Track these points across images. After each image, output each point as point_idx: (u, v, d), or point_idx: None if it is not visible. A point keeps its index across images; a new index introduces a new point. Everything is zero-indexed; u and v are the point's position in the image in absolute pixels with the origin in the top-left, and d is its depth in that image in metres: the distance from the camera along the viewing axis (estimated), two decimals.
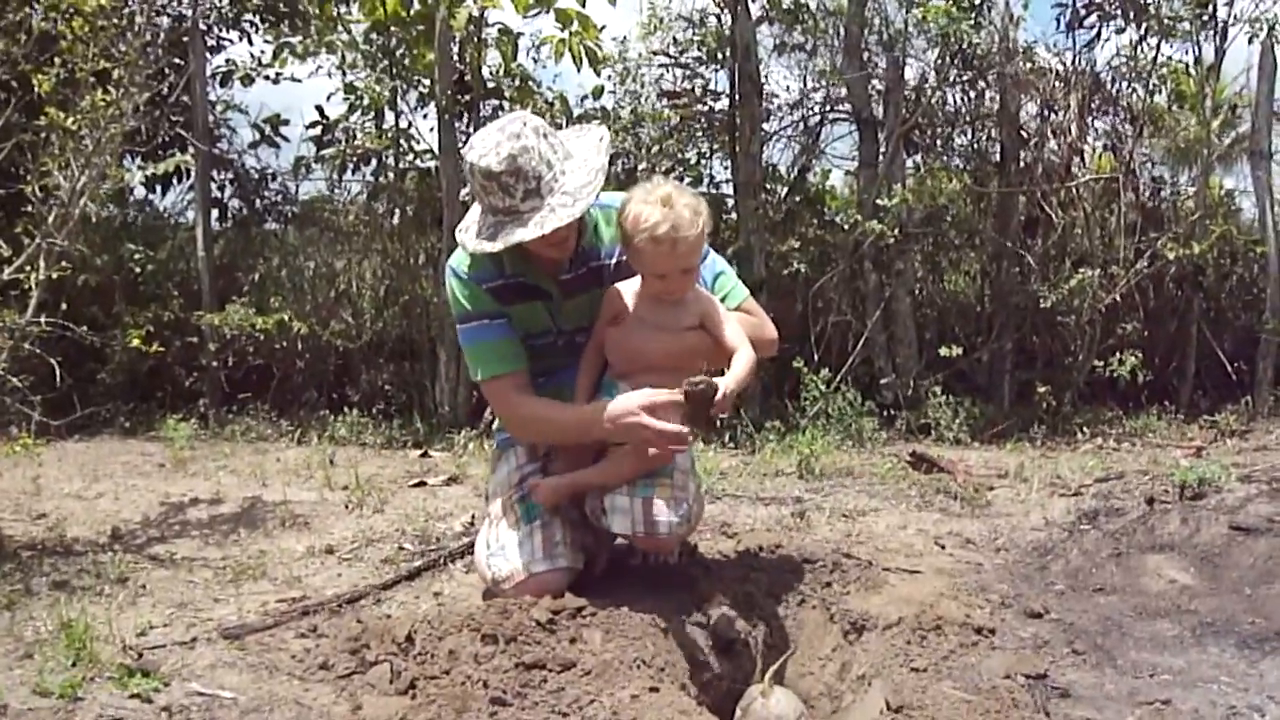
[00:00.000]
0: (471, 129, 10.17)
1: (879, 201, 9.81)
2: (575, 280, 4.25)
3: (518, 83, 10.41)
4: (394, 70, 10.23)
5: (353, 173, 10.99)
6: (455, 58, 9.87)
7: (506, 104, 10.36)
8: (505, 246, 3.87)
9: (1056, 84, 10.50)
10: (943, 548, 5.45)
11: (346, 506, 6.19)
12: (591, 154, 4.02)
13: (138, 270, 9.87)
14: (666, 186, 3.96)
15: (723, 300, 4.24)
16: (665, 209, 3.85)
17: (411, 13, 9.79)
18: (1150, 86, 10.71)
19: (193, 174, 10.40)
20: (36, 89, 5.74)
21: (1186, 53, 10.68)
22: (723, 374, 3.90)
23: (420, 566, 4.89)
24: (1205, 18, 10.28)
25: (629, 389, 4.05)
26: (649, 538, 4.10)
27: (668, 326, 4.10)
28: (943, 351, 9.68)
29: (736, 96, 10.38)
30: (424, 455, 8.00)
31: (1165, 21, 10.20)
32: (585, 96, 11.13)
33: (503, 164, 3.81)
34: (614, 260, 4.28)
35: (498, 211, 3.92)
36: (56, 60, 5.76)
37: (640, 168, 11.04)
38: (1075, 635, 4.21)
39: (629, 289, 4.15)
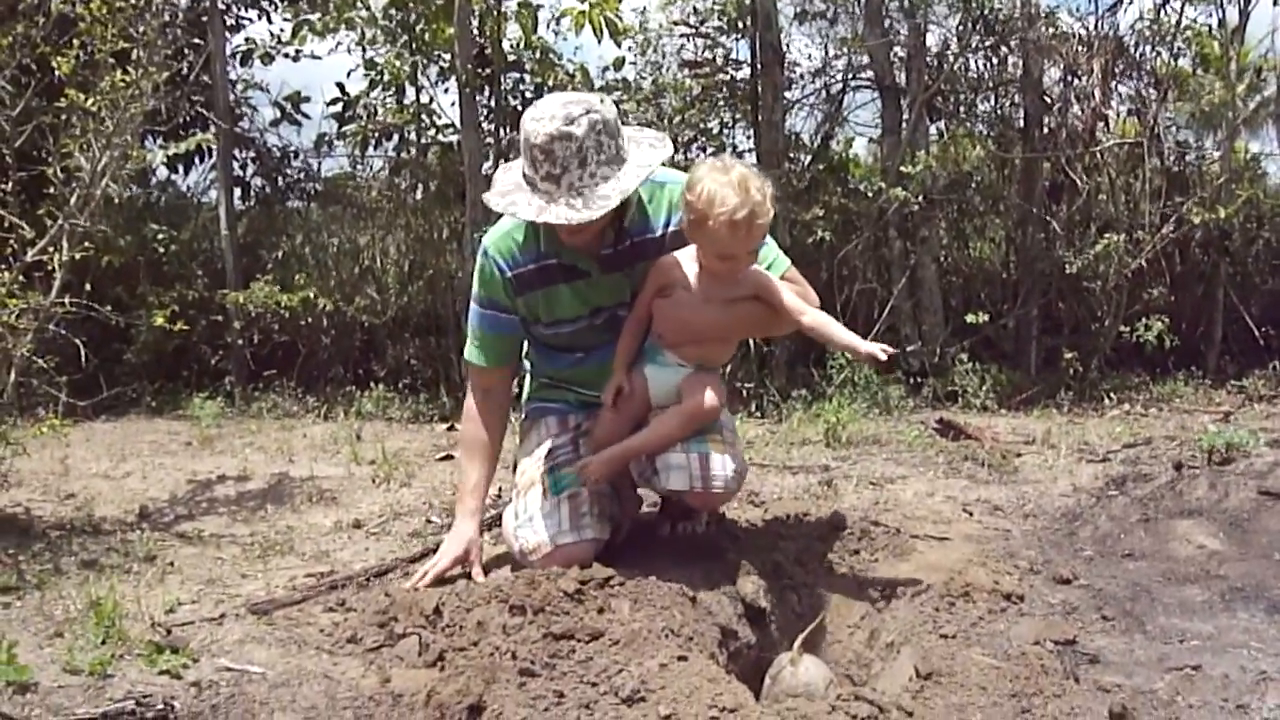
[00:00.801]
0: (493, 103, 10.18)
1: (903, 169, 9.77)
2: (617, 256, 4.19)
3: (538, 55, 10.37)
4: (414, 45, 10.20)
5: (375, 149, 10.98)
6: (475, 31, 9.85)
7: (527, 77, 10.35)
8: (500, 209, 3.92)
9: (1079, 49, 10.42)
10: (970, 514, 5.44)
11: (373, 481, 6.20)
12: (630, 175, 3.91)
13: (161, 250, 9.88)
14: (740, 167, 3.90)
15: (767, 270, 4.20)
16: (744, 193, 3.80)
17: None
18: (1174, 50, 10.66)
19: (215, 153, 10.41)
20: (56, 71, 5.73)
21: (1210, 15, 10.62)
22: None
23: None
24: None
25: (674, 359, 4.15)
26: (706, 493, 4.09)
27: (717, 299, 4.07)
28: (969, 318, 9.66)
29: (758, 65, 10.35)
30: (450, 429, 8.00)
31: None
32: (606, 68, 11.07)
33: (539, 139, 3.77)
34: (661, 234, 4.20)
35: (521, 174, 3.93)
36: (75, 41, 5.75)
37: None
38: (1104, 601, 4.21)
39: (678, 260, 4.11)
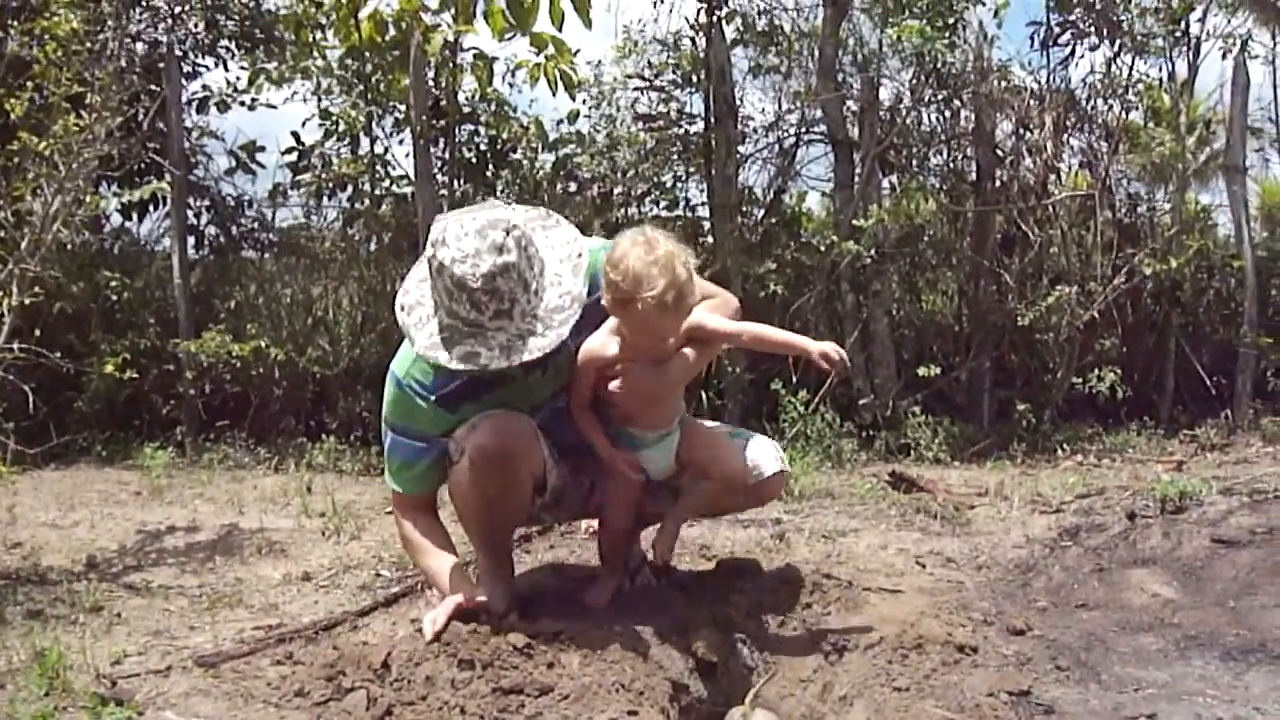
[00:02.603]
0: (448, 154, 10.18)
1: (855, 222, 9.82)
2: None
3: (494, 107, 10.42)
4: (369, 95, 10.22)
5: (329, 199, 10.97)
6: (430, 82, 9.87)
7: (482, 129, 10.37)
8: (464, 367, 3.70)
9: (1031, 102, 10.50)
10: (923, 567, 5.44)
11: (323, 534, 6.17)
12: (567, 274, 3.79)
13: (114, 298, 9.81)
14: (664, 242, 3.78)
15: None
16: (669, 273, 3.70)
17: (386, 38, 9.75)
18: (1125, 103, 10.75)
19: (169, 201, 10.35)
20: (9, 113, 5.71)
21: (1160, 69, 10.73)
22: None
23: (397, 593, 4.88)
24: (1178, 34, 10.35)
25: (652, 435, 4.19)
26: (780, 475, 4.41)
27: (662, 357, 4.03)
28: (921, 371, 9.68)
29: (712, 119, 10.39)
30: None
31: (1139, 38, 10.26)
32: (561, 120, 11.14)
33: (479, 281, 3.55)
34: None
35: (457, 318, 3.67)
36: (29, 84, 5.74)
37: (616, 191, 11.05)
38: (1058, 651, 4.21)
39: (604, 341, 4.02)
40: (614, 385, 4.02)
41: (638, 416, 4.12)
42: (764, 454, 4.39)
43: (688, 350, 4.08)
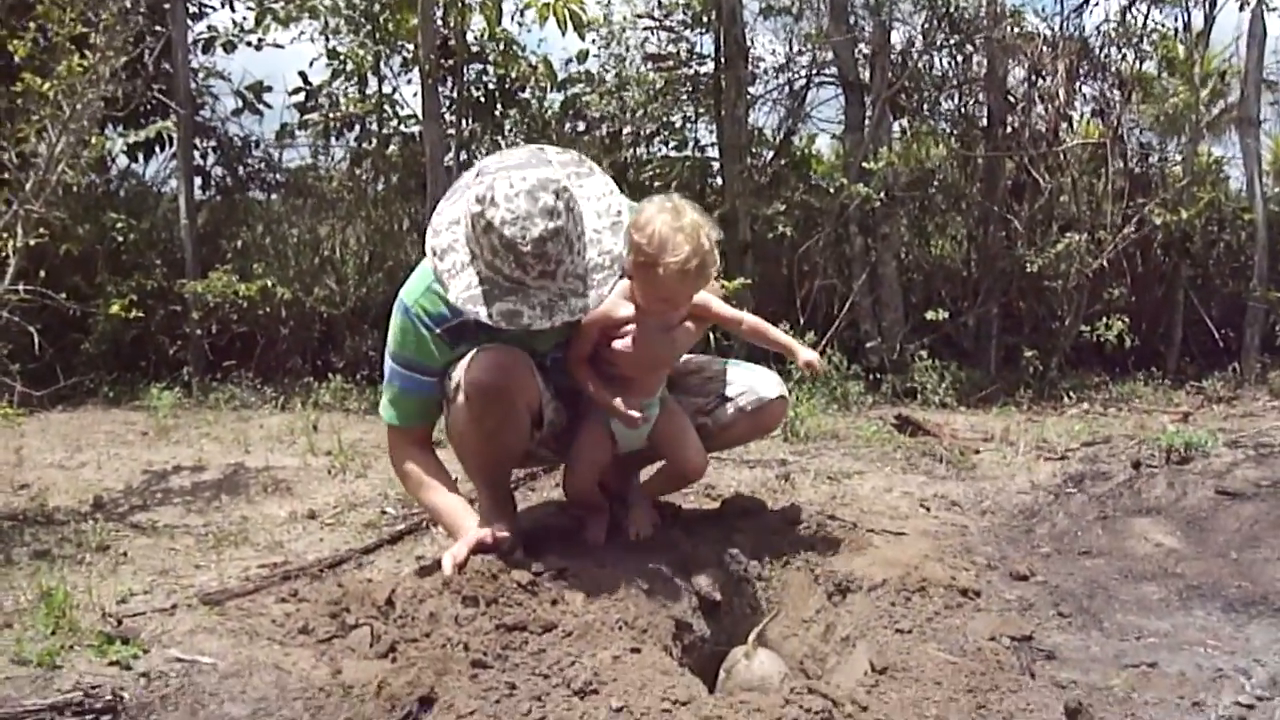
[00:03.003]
0: (456, 94, 10.14)
1: (865, 165, 9.79)
2: None
3: (502, 47, 10.36)
4: (377, 35, 10.18)
5: (336, 139, 10.95)
6: (439, 22, 9.81)
7: (491, 69, 10.32)
8: (507, 326, 3.68)
9: (1044, 49, 10.45)
10: (928, 510, 5.44)
11: (329, 472, 6.17)
12: (606, 232, 3.78)
13: (120, 239, 9.79)
14: (690, 211, 3.80)
15: None
16: (695, 241, 3.73)
17: None
18: (1139, 53, 10.70)
19: (175, 142, 10.33)
20: (12, 54, 5.68)
21: (1176, 19, 10.68)
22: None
23: (402, 530, 4.89)
24: None
25: (655, 405, 4.20)
26: (779, 401, 4.48)
27: (664, 328, 4.05)
28: (929, 316, 9.65)
29: (722, 60, 10.35)
30: None
31: None
32: (570, 60, 11.12)
33: (529, 245, 3.53)
34: None
35: (498, 273, 3.65)
36: (32, 25, 5.70)
37: (625, 131, 11.02)
38: (1061, 598, 4.20)
39: (616, 302, 4.01)
40: (620, 344, 4.01)
41: (632, 381, 4.12)
42: (764, 381, 4.45)
43: (690, 324, 4.11)
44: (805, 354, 4.26)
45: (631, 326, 4.00)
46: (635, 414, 4.06)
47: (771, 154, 11.45)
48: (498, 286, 3.66)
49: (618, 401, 4.05)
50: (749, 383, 4.45)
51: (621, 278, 3.95)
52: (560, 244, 3.57)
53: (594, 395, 4.11)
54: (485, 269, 3.66)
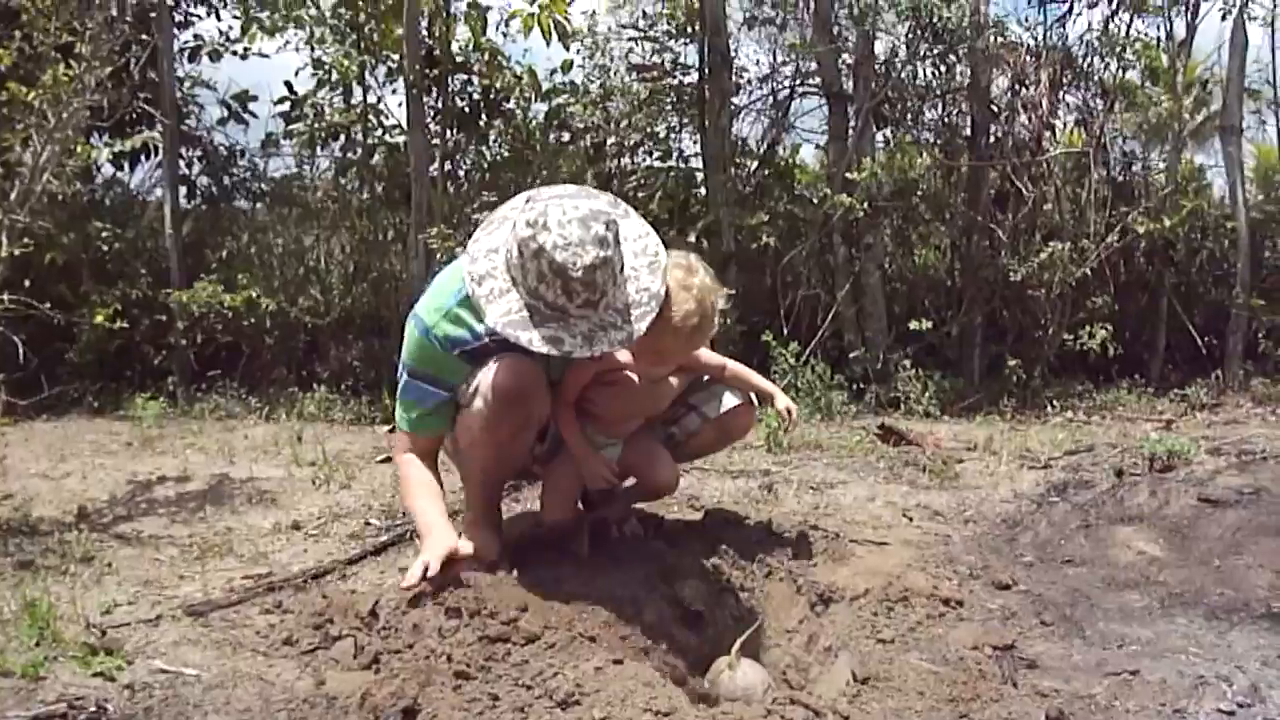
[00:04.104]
0: (440, 104, 10.16)
1: (849, 175, 9.84)
2: None
3: (487, 57, 10.37)
4: (362, 45, 10.20)
5: (321, 149, 10.95)
6: (424, 32, 9.84)
7: (475, 79, 10.35)
8: (546, 349, 3.65)
9: (1027, 58, 10.51)
10: (910, 520, 5.46)
11: (314, 483, 6.16)
12: (644, 270, 3.74)
13: (105, 248, 9.81)
14: (703, 273, 3.83)
15: None
16: (700, 303, 3.76)
17: None
18: (1122, 62, 10.72)
19: (160, 151, 10.33)
20: None
21: (1158, 28, 10.76)
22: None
23: (386, 542, 4.88)
24: None
25: (604, 439, 4.23)
26: (745, 406, 4.51)
27: (658, 376, 4.11)
28: (912, 325, 9.69)
29: (706, 70, 10.40)
30: (391, 431, 7.89)
31: None
32: (554, 71, 11.12)
33: (579, 271, 3.50)
34: None
35: (540, 299, 3.62)
36: (17, 34, 5.70)
37: (609, 141, 11.04)
38: (1043, 607, 4.22)
39: None
40: (607, 391, 4.07)
41: (611, 424, 4.19)
42: (730, 390, 4.49)
43: (674, 380, 4.20)
44: (782, 401, 4.46)
45: (623, 374, 4.04)
46: (604, 482, 4.20)
47: (755, 164, 11.49)
48: (538, 313, 3.64)
49: (592, 459, 4.17)
50: (715, 391, 4.48)
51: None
52: (608, 274, 3.57)
53: (572, 445, 4.18)
54: (527, 295, 3.64)
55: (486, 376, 3.87)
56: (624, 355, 4.00)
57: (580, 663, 3.15)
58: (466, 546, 3.92)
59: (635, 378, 4.05)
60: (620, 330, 3.66)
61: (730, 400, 4.45)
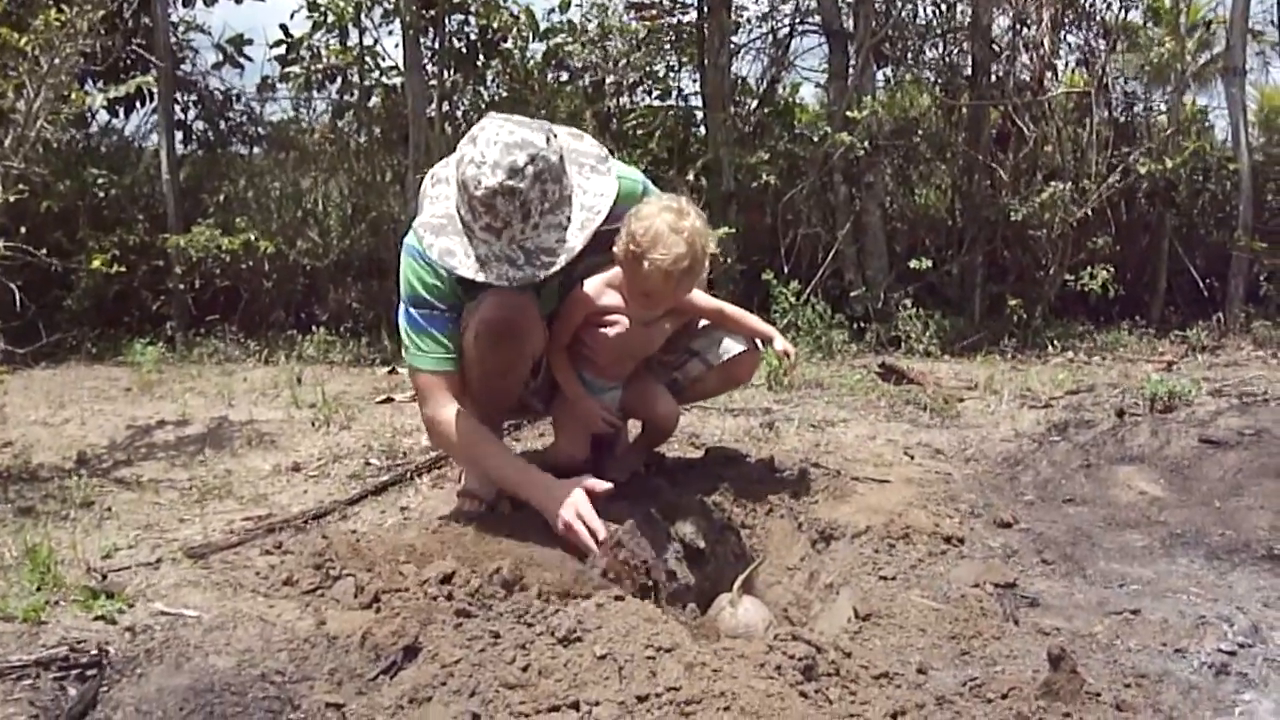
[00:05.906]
0: (438, 44, 10.09)
1: (849, 114, 9.77)
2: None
3: None
4: None
5: (318, 92, 10.89)
6: None
7: (472, 19, 10.25)
8: (436, 259, 3.74)
9: None
10: (912, 458, 5.45)
11: (313, 424, 6.15)
12: (575, 226, 3.72)
13: (101, 195, 9.78)
14: (694, 216, 3.81)
15: None
16: (689, 246, 3.75)
17: None
18: (1124, 1, 10.66)
19: (155, 96, 10.28)
20: None
21: None
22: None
23: (387, 481, 4.87)
24: None
25: (602, 383, 4.26)
26: (749, 353, 4.49)
27: (650, 319, 4.10)
28: (913, 264, 9.65)
29: (705, 8, 10.34)
30: (391, 372, 7.95)
31: None
32: (552, 10, 11.07)
33: (480, 190, 3.55)
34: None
35: (458, 211, 3.73)
36: None
37: (608, 81, 10.98)
38: (1044, 545, 4.22)
39: (602, 289, 4.06)
40: (600, 332, 4.06)
41: (606, 368, 4.20)
42: (733, 335, 4.47)
43: (667, 324, 4.18)
44: (781, 343, 4.44)
45: (615, 316, 4.04)
46: (601, 424, 4.23)
47: (755, 103, 11.44)
48: (452, 224, 3.74)
49: (587, 401, 4.21)
50: (716, 337, 4.46)
51: (613, 265, 3.96)
52: (513, 205, 3.57)
53: (567, 389, 4.21)
54: (456, 207, 3.74)
55: (476, 310, 3.85)
56: (615, 298, 4.01)
57: (580, 600, 3.15)
58: (590, 481, 3.86)
59: (626, 320, 4.04)
60: (518, 270, 3.67)
61: (733, 346, 4.43)
